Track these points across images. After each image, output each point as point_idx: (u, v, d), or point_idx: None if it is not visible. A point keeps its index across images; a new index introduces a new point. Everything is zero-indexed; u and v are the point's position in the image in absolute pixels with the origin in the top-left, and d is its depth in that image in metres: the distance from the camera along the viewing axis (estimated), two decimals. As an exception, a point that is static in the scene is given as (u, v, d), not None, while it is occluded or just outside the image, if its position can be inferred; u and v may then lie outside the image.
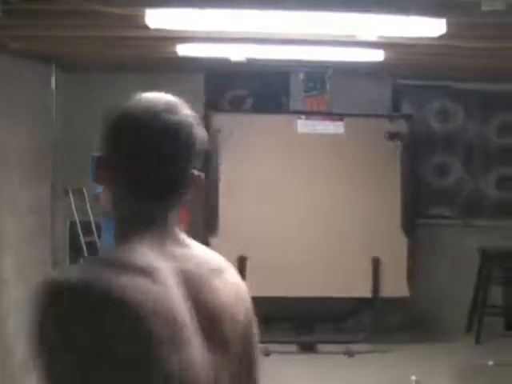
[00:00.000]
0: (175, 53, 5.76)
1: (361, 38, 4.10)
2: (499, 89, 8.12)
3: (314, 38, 5.00)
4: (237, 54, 5.82)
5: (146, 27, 4.13)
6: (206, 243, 7.29)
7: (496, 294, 8.02)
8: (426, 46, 5.08)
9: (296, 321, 7.78)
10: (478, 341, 7.80)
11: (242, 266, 7.19)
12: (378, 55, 5.65)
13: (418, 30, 3.99)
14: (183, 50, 5.64)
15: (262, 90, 7.88)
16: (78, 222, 7.95)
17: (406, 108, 8.01)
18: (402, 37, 4.21)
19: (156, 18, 4.01)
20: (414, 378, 6.39)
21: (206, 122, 7.35)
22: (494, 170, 8.24)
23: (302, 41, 5.23)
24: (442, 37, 4.08)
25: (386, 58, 5.77)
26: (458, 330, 8.07)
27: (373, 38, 4.06)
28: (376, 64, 6.50)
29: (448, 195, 8.19)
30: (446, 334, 7.96)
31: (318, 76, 7.82)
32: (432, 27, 3.95)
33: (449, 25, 3.86)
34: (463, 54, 5.64)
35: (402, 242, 7.40)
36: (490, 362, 7.02)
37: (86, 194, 7.99)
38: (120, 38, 5.37)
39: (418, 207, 7.95)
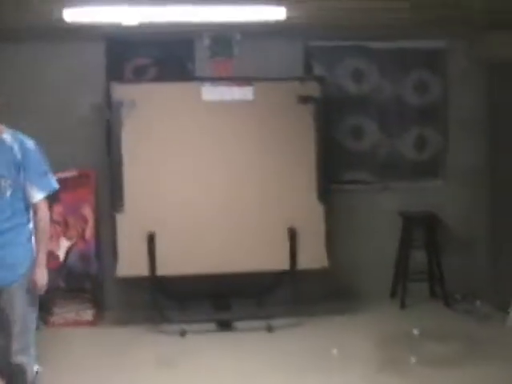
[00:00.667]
0: (62, 19, 5.33)
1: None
2: (413, 46, 7.86)
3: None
4: (129, 17, 5.40)
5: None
6: (113, 220, 6.91)
7: (420, 258, 7.81)
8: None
9: (212, 298, 7.44)
10: (402, 307, 7.61)
11: (150, 243, 6.81)
12: (279, 13, 5.30)
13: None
14: (70, 15, 5.21)
15: (166, 57, 7.45)
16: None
17: (319, 70, 7.67)
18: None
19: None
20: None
21: (108, 94, 6.93)
22: (410, 131, 7.99)
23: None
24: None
25: (288, 17, 5.44)
26: (382, 298, 7.87)
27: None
28: (283, 24, 6.17)
29: (364, 158, 7.92)
30: (370, 302, 7.74)
31: (225, 40, 7.44)
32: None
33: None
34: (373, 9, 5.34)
35: (318, 210, 7.08)
36: (415, 331, 6.80)
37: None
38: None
39: (334, 172, 7.65)
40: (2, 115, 4.38)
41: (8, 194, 4.27)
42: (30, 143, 4.39)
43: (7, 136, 4.34)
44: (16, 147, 4.32)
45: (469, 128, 8.03)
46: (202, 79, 7.11)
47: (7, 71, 7.24)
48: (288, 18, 5.43)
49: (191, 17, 5.43)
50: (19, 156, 4.31)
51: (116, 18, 5.41)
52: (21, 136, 4.37)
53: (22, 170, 4.32)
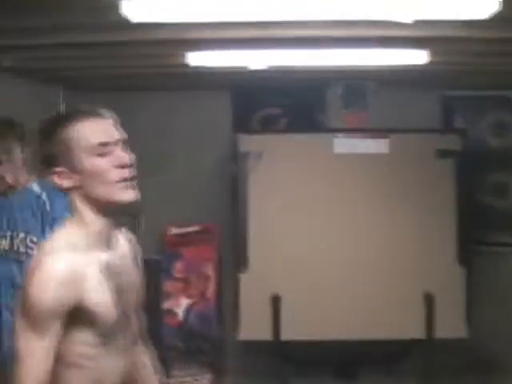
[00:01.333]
0: (185, 64, 5.01)
1: (395, 19, 3.26)
2: None
3: (344, 36, 4.20)
4: (256, 61, 5.04)
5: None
6: (235, 280, 6.51)
7: None
8: (475, 41, 4.23)
9: (338, 366, 6.91)
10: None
11: (275, 305, 6.34)
12: (420, 56, 4.82)
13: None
14: (194, 59, 4.88)
15: (296, 107, 7.06)
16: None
17: (458, 122, 7.12)
18: (445, 21, 3.38)
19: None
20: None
21: (234, 145, 6.59)
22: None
23: (331, 41, 4.43)
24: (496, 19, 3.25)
25: (431, 61, 4.95)
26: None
27: (407, 20, 3.23)
28: (420, 71, 5.69)
29: (509, 218, 7.26)
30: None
31: (358, 89, 7.01)
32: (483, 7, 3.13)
33: None
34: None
35: (458, 275, 6.46)
36: None
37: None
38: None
39: (476, 233, 7.02)
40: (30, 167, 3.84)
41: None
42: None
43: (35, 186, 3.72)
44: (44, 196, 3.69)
45: None
46: (334, 131, 6.66)
47: (133, 121, 7.02)
48: (430, 62, 4.93)
49: (324, 60, 5.01)
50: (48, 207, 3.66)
51: (243, 62, 5.04)
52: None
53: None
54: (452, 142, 6.50)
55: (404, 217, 6.46)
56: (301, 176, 6.49)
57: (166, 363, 6.84)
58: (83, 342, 2.25)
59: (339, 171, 6.47)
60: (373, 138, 6.52)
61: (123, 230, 2.49)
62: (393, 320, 6.41)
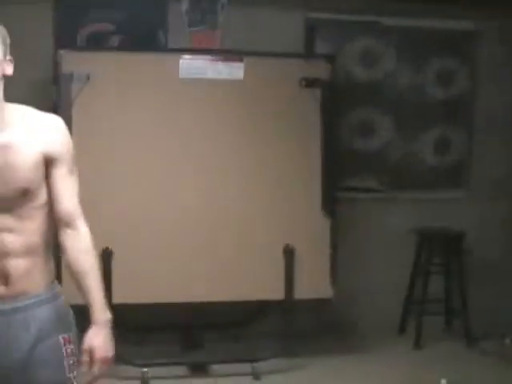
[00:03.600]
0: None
1: None
2: (436, 27, 6.41)
3: None
4: None
5: None
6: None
7: (437, 286, 6.35)
8: None
9: (181, 333, 5.88)
10: (416, 346, 6.15)
11: (106, 262, 5.17)
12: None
13: None
14: None
15: (131, 22, 5.85)
16: None
17: (322, 48, 6.15)
18: None
19: None
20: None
21: (55, 64, 5.31)
22: (430, 130, 6.52)
23: None
24: None
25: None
26: (390, 334, 6.39)
27: None
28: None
29: (374, 161, 6.42)
30: (377, 339, 6.25)
31: (208, 6, 5.89)
32: None
33: None
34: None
35: (322, 225, 5.53)
36: (443, 382, 5.29)
37: None
38: None
39: (339, 177, 6.13)
40: None
41: None
42: None
43: None
44: None
45: (500, 128, 6.62)
46: (179, 51, 5.48)
47: None
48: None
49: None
50: None
51: None
52: None
53: None
54: (319, 70, 5.50)
55: (261, 156, 5.44)
56: (137, 104, 5.29)
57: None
58: None
59: (184, 99, 5.34)
60: (225, 61, 5.42)
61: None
62: (248, 278, 5.42)
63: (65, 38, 5.74)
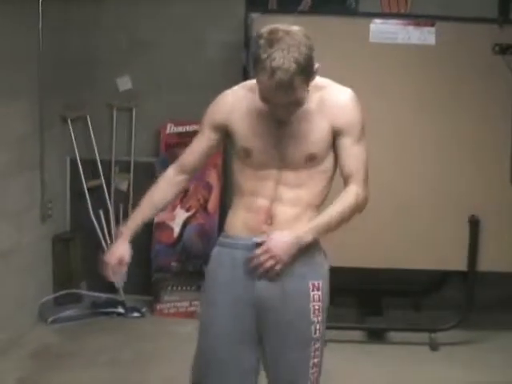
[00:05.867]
0: None
1: None
2: None
3: None
4: None
5: None
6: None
7: None
8: None
9: (360, 297, 5.91)
10: None
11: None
12: None
13: None
14: None
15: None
16: (79, 160, 6.16)
17: (517, 13, 5.91)
18: None
19: None
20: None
21: (246, 27, 5.40)
22: None
23: None
24: None
25: None
26: None
27: None
28: None
29: None
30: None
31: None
32: None
33: None
34: None
35: (511, 198, 5.36)
36: None
37: (89, 123, 6.22)
38: None
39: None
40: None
41: None
42: None
43: None
44: None
45: None
46: (371, 15, 5.43)
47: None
48: None
49: None
50: None
51: None
52: None
53: None
54: (513, 36, 5.30)
55: (454, 125, 5.31)
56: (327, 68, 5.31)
57: (156, 286, 5.91)
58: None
59: (376, 64, 5.29)
60: (416, 25, 5.32)
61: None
62: (432, 247, 5.35)
63: (257, 2, 5.82)
